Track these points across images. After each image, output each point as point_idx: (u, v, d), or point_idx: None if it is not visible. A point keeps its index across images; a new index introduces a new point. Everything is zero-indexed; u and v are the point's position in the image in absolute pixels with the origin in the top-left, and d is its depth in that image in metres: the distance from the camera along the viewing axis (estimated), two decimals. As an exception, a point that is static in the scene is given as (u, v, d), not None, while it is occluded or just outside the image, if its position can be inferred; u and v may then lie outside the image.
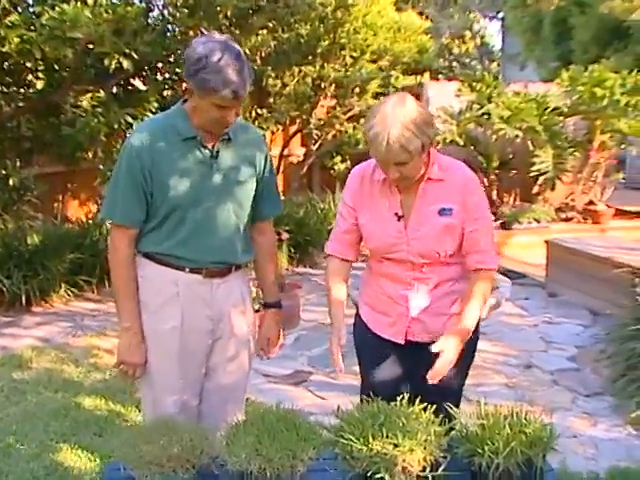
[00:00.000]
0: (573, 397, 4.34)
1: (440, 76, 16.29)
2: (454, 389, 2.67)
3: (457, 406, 2.65)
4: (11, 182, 7.23)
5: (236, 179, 2.54)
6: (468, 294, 2.49)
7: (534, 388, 4.48)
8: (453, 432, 2.19)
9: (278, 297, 2.85)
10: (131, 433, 2.36)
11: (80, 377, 4.81)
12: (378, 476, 1.99)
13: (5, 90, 6.97)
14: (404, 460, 2.04)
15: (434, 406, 2.17)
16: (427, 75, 12.44)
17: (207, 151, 2.47)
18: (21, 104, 7.09)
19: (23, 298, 6.20)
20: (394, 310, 2.61)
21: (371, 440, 2.05)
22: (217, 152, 2.48)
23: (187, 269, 2.50)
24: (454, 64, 20.87)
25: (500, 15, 19.64)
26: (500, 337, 5.38)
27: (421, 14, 14.79)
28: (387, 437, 2.05)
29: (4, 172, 7.37)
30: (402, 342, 2.61)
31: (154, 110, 6.82)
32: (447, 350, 2.35)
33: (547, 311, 6.18)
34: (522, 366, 4.84)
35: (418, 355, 2.58)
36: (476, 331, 2.64)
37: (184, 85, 2.46)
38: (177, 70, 7.11)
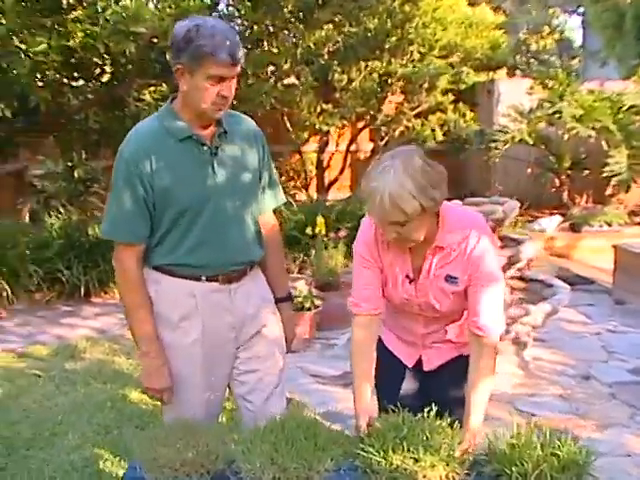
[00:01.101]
0: (631, 413, 4.12)
1: (518, 72, 15.93)
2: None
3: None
4: (76, 174, 7.38)
5: (240, 172, 2.44)
6: (473, 379, 2.32)
7: (590, 401, 4.27)
8: (480, 450, 2.09)
9: (288, 290, 2.74)
10: (151, 433, 2.32)
11: (130, 369, 4.84)
12: (397, 491, 1.91)
13: (73, 84, 7.10)
14: (425, 476, 1.95)
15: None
16: (502, 72, 12.18)
17: (206, 148, 2.36)
18: (89, 97, 7.21)
19: (82, 289, 6.30)
20: (409, 336, 2.55)
21: (391, 453, 1.97)
22: (216, 148, 2.38)
23: (203, 278, 2.40)
24: (532, 60, 20.35)
25: (580, 10, 19.05)
26: (559, 345, 5.18)
27: (497, 9, 14.43)
28: (409, 451, 1.97)
29: (70, 164, 7.53)
30: (411, 365, 2.56)
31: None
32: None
33: (612, 319, 5.92)
34: (579, 377, 4.63)
35: (431, 376, 2.55)
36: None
37: (177, 70, 2.29)
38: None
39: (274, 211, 2.68)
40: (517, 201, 4.99)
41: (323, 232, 5.81)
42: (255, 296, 2.52)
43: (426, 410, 2.12)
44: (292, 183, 10.23)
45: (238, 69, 2.28)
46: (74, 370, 4.86)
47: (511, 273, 4.67)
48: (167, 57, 5.86)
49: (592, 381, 4.58)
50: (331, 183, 9.81)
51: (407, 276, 2.38)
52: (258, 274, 2.58)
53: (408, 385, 2.61)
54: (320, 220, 5.78)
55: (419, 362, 2.55)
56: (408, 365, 2.57)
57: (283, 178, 10.23)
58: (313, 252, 6.27)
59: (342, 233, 6.20)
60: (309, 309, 5.07)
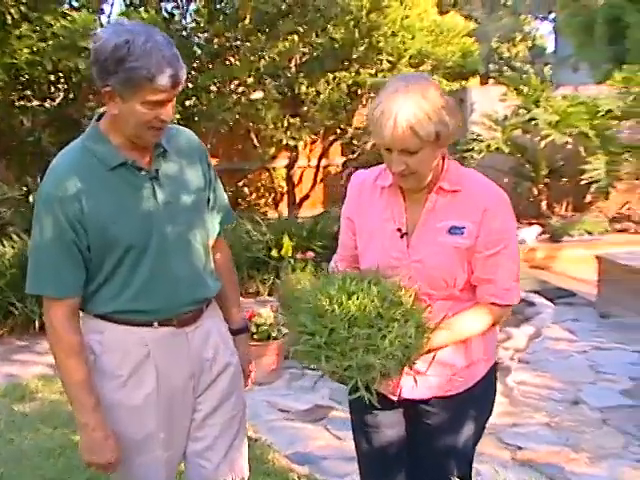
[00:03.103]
0: (625, 441, 3.79)
1: (491, 81, 15.76)
2: (463, 450, 2.22)
3: (468, 469, 2.24)
4: (31, 199, 7.00)
5: (185, 195, 2.11)
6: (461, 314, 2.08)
7: (580, 429, 3.95)
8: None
9: (244, 321, 2.43)
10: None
11: (82, 411, 4.45)
12: None
13: (25, 104, 6.74)
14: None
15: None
16: (475, 80, 11.94)
17: (144, 173, 2.03)
18: (42, 117, 6.86)
19: (37, 322, 5.89)
20: None
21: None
22: (156, 171, 2.06)
23: (155, 323, 2.08)
24: (504, 68, 20.22)
25: (551, 16, 18.96)
26: (545, 366, 4.85)
27: (467, 17, 14.24)
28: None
29: (25, 188, 7.15)
30: (395, 399, 2.16)
31: (175, 121, 6.51)
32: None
33: (598, 334, 5.61)
34: (567, 402, 4.30)
35: (417, 412, 2.17)
36: (487, 382, 2.23)
37: (104, 93, 1.94)
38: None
39: (235, 232, 2.35)
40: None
41: (290, 254, 5.47)
42: (214, 335, 2.21)
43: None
44: (262, 201, 9.92)
45: (180, 88, 1.95)
46: (23, 413, 4.46)
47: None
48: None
49: (581, 406, 4.25)
50: (302, 199, 9.49)
51: (399, 230, 2.06)
52: (215, 309, 2.27)
53: (391, 434, 2.28)
54: (287, 242, 5.44)
55: (403, 400, 2.17)
56: (392, 398, 2.17)
57: (253, 196, 9.93)
58: (283, 274, 5.93)
59: (310, 254, 5.85)
60: (275, 338, 4.72)
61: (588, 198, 9.32)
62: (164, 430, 2.12)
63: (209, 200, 2.23)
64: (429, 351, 1.93)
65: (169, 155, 2.10)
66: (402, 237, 2.08)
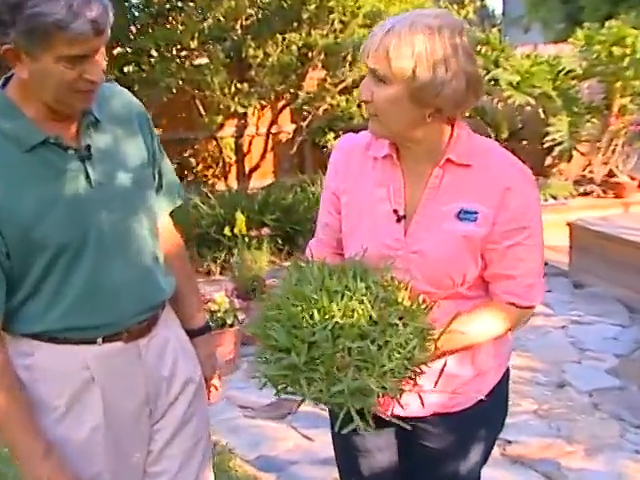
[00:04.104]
0: (621, 429, 3.47)
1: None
2: (468, 477, 1.84)
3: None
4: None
5: (126, 175, 1.67)
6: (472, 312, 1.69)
7: (571, 416, 3.61)
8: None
9: (205, 320, 1.99)
10: None
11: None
12: None
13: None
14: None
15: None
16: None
17: (71, 152, 1.58)
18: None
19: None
20: None
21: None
22: (87, 148, 1.60)
23: (99, 340, 1.64)
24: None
25: (501, -25, 18.62)
26: (523, 344, 4.49)
27: (417, -24, 13.76)
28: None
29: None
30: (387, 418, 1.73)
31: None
32: None
33: (574, 307, 5.29)
34: (553, 385, 3.96)
35: (413, 433, 1.71)
36: (498, 394, 1.83)
37: (5, 52, 1.47)
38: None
39: (183, 207, 1.93)
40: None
41: (244, 231, 5.00)
42: (171, 345, 1.78)
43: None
44: (210, 172, 9.39)
45: (106, 37, 1.48)
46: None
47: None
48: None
49: (568, 389, 3.92)
50: (252, 170, 8.99)
51: (395, 212, 1.65)
52: (170, 313, 1.83)
53: (384, 455, 1.87)
54: (240, 218, 4.97)
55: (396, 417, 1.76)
56: (384, 417, 1.76)
57: (200, 167, 9.40)
58: (235, 251, 5.45)
59: (266, 230, 5.39)
60: (232, 325, 4.27)
61: (549, 161, 9.02)
62: (112, 469, 1.68)
63: (154, 178, 1.79)
64: (442, 355, 1.52)
65: (102, 125, 1.64)
66: (399, 221, 1.67)
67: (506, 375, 1.86)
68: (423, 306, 1.48)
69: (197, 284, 2.03)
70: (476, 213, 1.61)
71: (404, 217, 1.66)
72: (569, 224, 6.03)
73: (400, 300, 1.44)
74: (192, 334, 1.90)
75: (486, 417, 1.79)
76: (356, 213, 1.72)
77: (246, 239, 5.10)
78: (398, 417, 1.61)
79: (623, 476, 3.07)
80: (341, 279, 1.47)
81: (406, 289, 1.49)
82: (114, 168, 1.65)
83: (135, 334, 1.69)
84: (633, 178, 8.41)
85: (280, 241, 6.46)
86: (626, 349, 4.41)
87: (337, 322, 1.37)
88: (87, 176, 1.59)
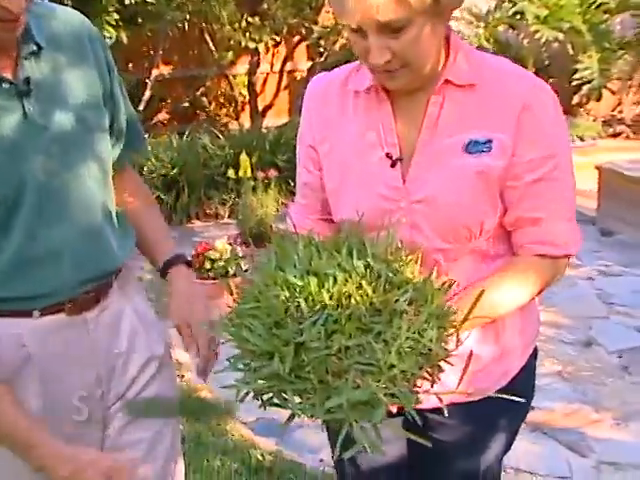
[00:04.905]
0: (653, 394, 3.21)
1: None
2: (489, 472, 1.57)
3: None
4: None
5: (72, 114, 1.37)
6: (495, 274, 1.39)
7: (599, 379, 3.33)
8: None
9: (176, 250, 1.59)
10: None
11: None
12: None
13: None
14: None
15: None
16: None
17: (6, 86, 1.28)
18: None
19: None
20: None
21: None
22: (26, 81, 1.30)
23: (36, 312, 1.36)
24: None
25: None
26: (548, 298, 4.16)
27: None
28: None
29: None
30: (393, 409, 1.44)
31: (114, 23, 5.62)
32: None
33: (601, 256, 4.97)
34: (580, 344, 3.68)
35: (425, 425, 1.39)
36: (525, 378, 1.55)
37: None
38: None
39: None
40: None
41: (248, 174, 4.69)
42: (127, 318, 1.50)
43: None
44: (223, 111, 9.05)
45: None
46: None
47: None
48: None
49: (595, 349, 3.64)
50: (266, 108, 8.65)
51: (389, 156, 1.35)
52: (128, 281, 1.54)
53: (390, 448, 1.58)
54: (244, 160, 4.66)
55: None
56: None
57: (212, 106, 9.07)
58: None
59: (273, 172, 5.06)
60: (234, 275, 4.00)
61: (576, 99, 8.60)
62: None
63: (111, 120, 1.48)
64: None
65: (45, 54, 1.34)
66: (394, 166, 1.36)
67: (534, 355, 1.57)
68: (438, 282, 1.17)
69: (162, 217, 1.67)
70: (489, 142, 1.30)
71: (400, 160, 1.35)
72: (597, 167, 5.67)
73: (409, 278, 1.14)
74: (164, 268, 1.55)
75: (509, 405, 1.51)
76: (340, 164, 1.42)
77: (252, 182, 4.80)
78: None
79: (655, 449, 2.81)
80: (332, 257, 1.16)
81: (416, 262, 1.19)
82: (57, 105, 1.35)
83: (81, 306, 1.41)
84: (666, 118, 8.00)
85: (292, 183, 6.17)
86: (657, 303, 4.11)
87: (330, 314, 1.07)
88: (25, 116, 1.30)
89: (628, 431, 2.93)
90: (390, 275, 1.13)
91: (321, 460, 2.80)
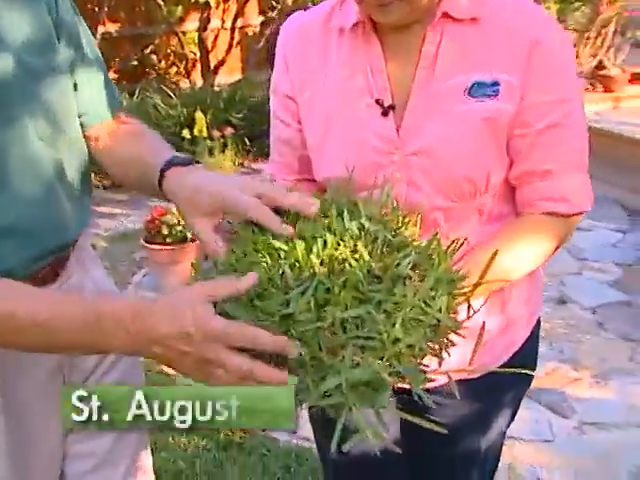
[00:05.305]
0: (630, 350, 3.12)
1: None
2: (490, 451, 1.44)
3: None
4: None
5: (13, 57, 1.14)
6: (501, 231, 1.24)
7: (575, 337, 3.25)
8: None
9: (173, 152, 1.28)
10: None
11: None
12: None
13: None
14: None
15: None
16: None
17: None
18: None
19: None
20: None
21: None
22: None
23: None
24: None
25: None
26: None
27: None
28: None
29: None
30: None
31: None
32: None
33: (568, 210, 4.89)
34: (554, 301, 3.58)
35: (422, 404, 1.28)
36: (528, 349, 1.43)
37: None
38: None
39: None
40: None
41: (204, 133, 4.47)
42: (88, 289, 1.32)
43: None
44: (173, 69, 8.75)
45: None
46: None
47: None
48: None
49: (570, 306, 3.54)
50: (218, 66, 8.36)
51: (379, 102, 1.20)
52: (84, 247, 1.36)
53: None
54: (200, 118, 4.44)
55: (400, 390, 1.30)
56: None
57: (162, 64, 8.75)
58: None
59: (229, 130, 4.84)
60: (192, 240, 3.81)
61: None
62: (16, 456, 1.24)
63: (76, 71, 1.27)
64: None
65: None
66: (386, 114, 1.18)
67: (538, 325, 1.43)
68: (443, 243, 1.01)
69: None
70: (496, 85, 1.13)
71: (392, 108, 1.18)
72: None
73: (410, 240, 0.98)
74: (162, 171, 1.19)
75: (513, 380, 1.38)
76: (323, 114, 1.24)
77: (208, 141, 4.58)
78: (400, 388, 1.17)
79: (636, 408, 2.72)
80: (319, 219, 0.99)
81: (416, 223, 1.03)
82: (13, 52, 1.14)
83: (41, 281, 1.22)
84: (624, 70, 7.91)
85: (248, 142, 5.95)
86: (628, 257, 4.04)
87: (321, 282, 0.90)
88: None
89: (608, 389, 2.85)
90: (388, 237, 0.97)
91: (294, 432, 2.65)
